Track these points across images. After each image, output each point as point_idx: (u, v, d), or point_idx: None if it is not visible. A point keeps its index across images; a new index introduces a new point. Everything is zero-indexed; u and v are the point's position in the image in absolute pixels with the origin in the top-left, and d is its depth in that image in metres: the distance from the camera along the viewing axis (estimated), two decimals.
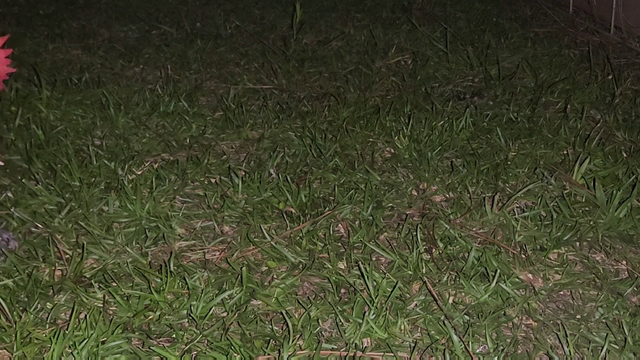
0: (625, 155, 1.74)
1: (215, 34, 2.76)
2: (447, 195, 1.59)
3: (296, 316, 1.19)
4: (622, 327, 1.16)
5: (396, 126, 1.89)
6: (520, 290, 1.26)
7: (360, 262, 1.30)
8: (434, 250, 1.37)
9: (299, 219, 1.46)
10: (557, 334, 1.16)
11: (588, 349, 1.12)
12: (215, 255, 1.36)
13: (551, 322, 1.19)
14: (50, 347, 1.08)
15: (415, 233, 1.39)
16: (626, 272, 1.34)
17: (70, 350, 1.08)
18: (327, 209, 1.50)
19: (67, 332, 1.11)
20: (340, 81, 2.27)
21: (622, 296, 1.25)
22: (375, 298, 1.20)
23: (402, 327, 1.16)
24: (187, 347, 1.10)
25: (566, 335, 1.14)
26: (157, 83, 2.20)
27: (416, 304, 1.22)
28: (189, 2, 3.21)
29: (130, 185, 1.55)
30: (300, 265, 1.32)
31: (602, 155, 1.73)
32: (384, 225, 1.46)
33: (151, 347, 1.10)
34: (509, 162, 1.71)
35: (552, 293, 1.27)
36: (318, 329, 1.16)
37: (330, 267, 1.31)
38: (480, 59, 2.38)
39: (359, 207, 1.51)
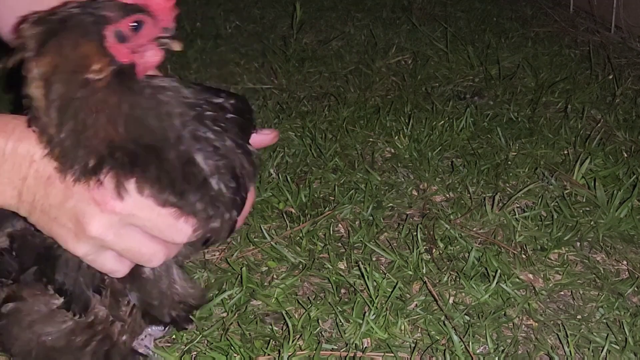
0: (625, 155, 1.73)
1: (215, 33, 2.76)
2: (448, 195, 1.59)
3: (296, 316, 1.19)
4: (623, 328, 1.16)
5: (396, 126, 1.89)
6: (521, 290, 1.26)
7: (360, 262, 1.30)
8: (434, 250, 1.37)
9: (299, 219, 1.46)
10: (557, 334, 1.16)
11: (589, 349, 1.12)
12: (215, 255, 1.36)
13: (552, 322, 1.19)
14: None
15: (415, 233, 1.38)
16: (627, 273, 1.33)
17: None
18: (327, 209, 1.50)
19: None
20: (340, 81, 2.26)
21: (622, 296, 1.25)
22: (376, 298, 1.20)
23: (402, 327, 1.16)
24: (186, 348, 1.10)
25: (567, 336, 1.14)
26: None
27: (416, 304, 1.22)
28: (189, 2, 3.21)
29: None
30: (300, 266, 1.32)
31: (602, 155, 1.72)
32: (384, 225, 1.46)
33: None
34: (509, 162, 1.71)
35: (552, 293, 1.27)
36: (318, 329, 1.16)
37: (330, 267, 1.31)
38: (480, 59, 2.38)
39: (359, 207, 1.51)
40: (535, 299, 1.24)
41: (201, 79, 2.29)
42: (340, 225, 1.47)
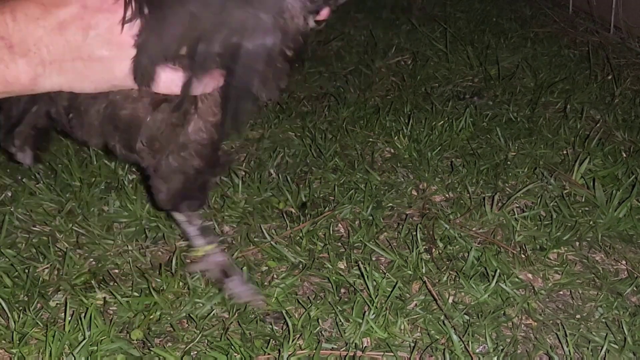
0: (624, 155, 1.74)
1: None
2: (447, 195, 1.59)
3: (296, 316, 1.19)
4: (622, 327, 1.16)
5: (396, 126, 1.89)
6: (520, 290, 1.27)
7: (360, 262, 1.30)
8: (433, 250, 1.37)
9: (299, 219, 1.46)
10: (556, 333, 1.16)
11: (588, 348, 1.13)
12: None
13: (551, 321, 1.20)
14: (49, 347, 1.08)
15: (415, 233, 1.39)
16: (626, 272, 1.34)
17: (70, 351, 1.08)
18: (327, 209, 1.50)
19: (66, 332, 1.11)
20: (340, 81, 2.27)
21: (621, 296, 1.25)
22: (375, 298, 1.21)
23: (402, 326, 1.16)
24: (187, 348, 1.10)
25: (566, 335, 1.14)
26: None
27: (416, 304, 1.23)
28: None
29: (131, 185, 1.55)
30: (300, 265, 1.32)
31: (601, 155, 1.73)
32: (384, 225, 1.46)
33: (150, 348, 1.10)
34: (508, 162, 1.71)
35: (551, 293, 1.27)
36: (318, 328, 1.16)
37: (330, 267, 1.31)
38: (480, 59, 2.39)
39: (359, 207, 1.51)
40: (535, 298, 1.25)
41: None
42: (340, 225, 1.47)
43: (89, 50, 0.81)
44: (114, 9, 0.80)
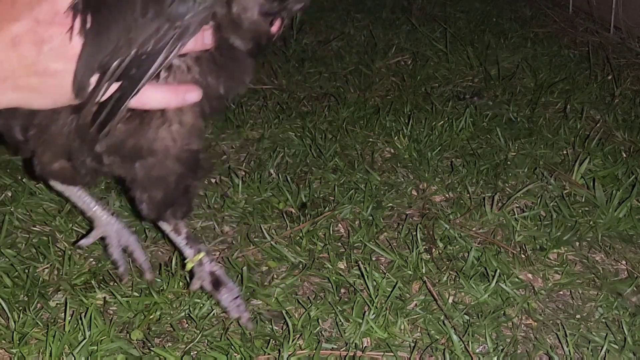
0: (624, 155, 1.74)
1: None
2: (447, 195, 1.59)
3: (296, 316, 1.19)
4: (622, 327, 1.16)
5: (396, 126, 1.89)
6: (520, 290, 1.27)
7: (360, 262, 1.30)
8: (433, 250, 1.37)
9: (299, 219, 1.46)
10: (556, 333, 1.16)
11: (588, 348, 1.13)
12: (215, 255, 1.36)
13: (551, 321, 1.20)
14: (49, 347, 1.08)
15: (415, 233, 1.39)
16: (626, 272, 1.34)
17: (70, 351, 1.08)
18: (327, 209, 1.50)
19: (66, 332, 1.11)
20: (340, 81, 2.27)
21: (621, 296, 1.25)
22: (375, 298, 1.21)
23: (402, 326, 1.16)
24: (187, 348, 1.10)
25: (566, 335, 1.14)
26: None
27: (416, 304, 1.23)
28: None
29: None
30: (300, 265, 1.33)
31: (601, 155, 1.73)
32: (384, 225, 1.46)
33: (150, 348, 1.10)
34: (508, 162, 1.71)
35: (551, 293, 1.27)
36: (318, 328, 1.16)
37: (330, 267, 1.31)
38: (480, 59, 2.39)
39: (359, 207, 1.51)
40: (535, 298, 1.25)
41: None
42: (340, 225, 1.47)
43: (43, 65, 0.80)
44: (67, 22, 0.79)
